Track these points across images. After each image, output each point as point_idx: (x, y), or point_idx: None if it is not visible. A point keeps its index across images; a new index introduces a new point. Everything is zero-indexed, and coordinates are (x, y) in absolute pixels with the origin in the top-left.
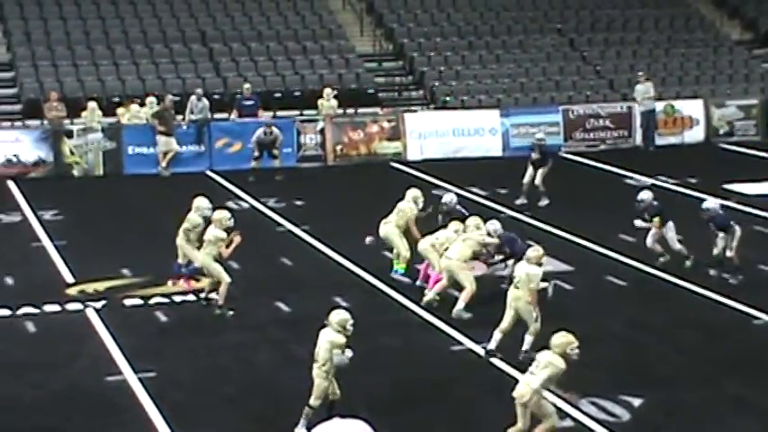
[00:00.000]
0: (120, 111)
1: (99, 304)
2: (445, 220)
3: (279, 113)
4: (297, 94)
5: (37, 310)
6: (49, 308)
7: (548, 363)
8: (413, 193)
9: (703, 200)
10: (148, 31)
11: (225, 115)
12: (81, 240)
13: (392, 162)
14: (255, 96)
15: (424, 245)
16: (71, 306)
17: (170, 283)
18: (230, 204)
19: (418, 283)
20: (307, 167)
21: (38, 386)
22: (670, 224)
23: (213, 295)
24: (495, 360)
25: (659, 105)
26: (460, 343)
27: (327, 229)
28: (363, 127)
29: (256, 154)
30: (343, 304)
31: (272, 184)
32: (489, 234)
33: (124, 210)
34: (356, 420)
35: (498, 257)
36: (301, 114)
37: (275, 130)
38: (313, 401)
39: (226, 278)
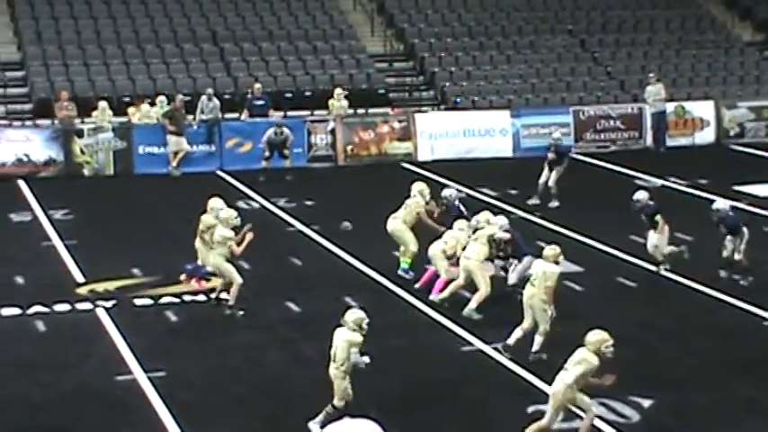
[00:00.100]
0: (130, 110)
1: (109, 304)
2: (450, 219)
3: (289, 113)
4: (307, 94)
5: (47, 310)
6: (59, 307)
7: (581, 359)
8: (418, 186)
9: (713, 201)
10: (159, 31)
11: (235, 115)
12: (91, 240)
13: (403, 162)
14: (266, 96)
15: (434, 250)
16: (81, 305)
17: (189, 281)
18: (241, 204)
19: (417, 286)
20: (317, 167)
21: (48, 385)
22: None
23: (224, 295)
24: (505, 360)
25: (670, 106)
26: (470, 343)
27: (337, 229)
28: (374, 127)
29: (267, 154)
30: (353, 304)
31: (282, 184)
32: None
33: (134, 209)
34: (366, 420)
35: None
36: (312, 114)
37: (286, 129)
38: (337, 402)
39: (238, 279)
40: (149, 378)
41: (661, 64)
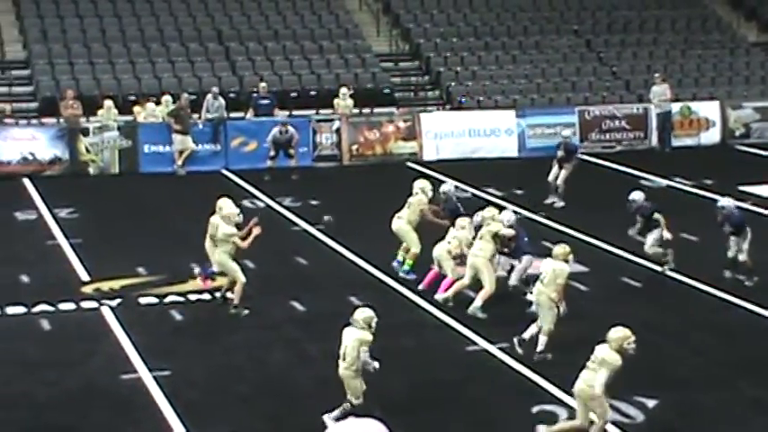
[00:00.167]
0: (136, 109)
1: (114, 302)
2: (448, 213)
3: (295, 113)
4: (313, 93)
5: (52, 308)
6: (64, 306)
7: (603, 360)
8: (420, 183)
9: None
10: (165, 30)
11: (241, 114)
12: (96, 238)
13: (408, 162)
14: (271, 95)
15: (439, 251)
16: (86, 304)
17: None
18: (246, 203)
19: (420, 287)
20: (322, 167)
21: (52, 384)
22: (656, 232)
23: (230, 294)
24: (510, 360)
25: (675, 107)
26: (475, 343)
27: (343, 228)
28: (379, 127)
29: (272, 153)
30: (358, 303)
31: (287, 184)
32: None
33: (140, 208)
34: (371, 420)
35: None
36: (317, 114)
37: (291, 128)
38: (355, 401)
39: (241, 278)
40: (154, 377)
41: (666, 64)
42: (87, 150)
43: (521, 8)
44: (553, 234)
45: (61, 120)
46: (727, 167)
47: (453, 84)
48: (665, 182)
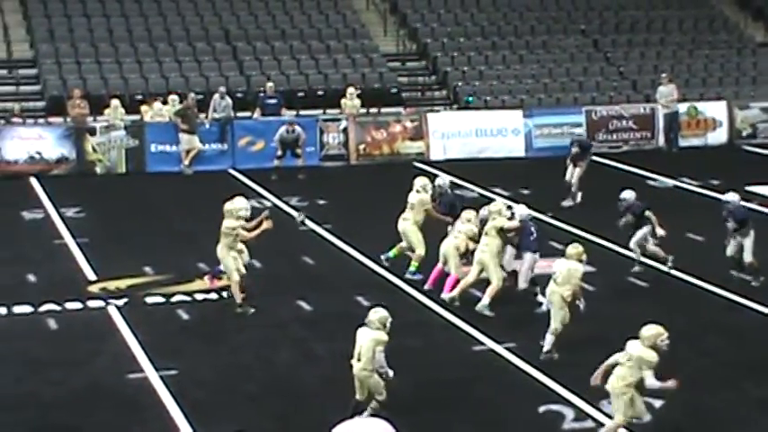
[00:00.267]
0: (143, 108)
1: (121, 302)
2: (444, 207)
3: (302, 112)
4: (320, 93)
5: (59, 308)
6: (70, 305)
7: (638, 359)
8: (420, 181)
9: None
10: (172, 30)
11: (248, 114)
12: (103, 238)
13: (415, 162)
14: (278, 95)
15: (447, 247)
16: (93, 303)
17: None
18: (253, 203)
19: (426, 287)
20: (329, 167)
21: (59, 383)
22: (646, 229)
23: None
24: (517, 360)
25: (682, 107)
26: (482, 343)
27: (349, 228)
28: (386, 126)
29: (279, 153)
30: (365, 303)
31: (294, 183)
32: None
33: (146, 207)
34: (378, 419)
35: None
36: (324, 113)
37: (297, 127)
38: (379, 398)
39: (234, 276)
40: (160, 376)
41: (674, 64)
42: (94, 150)
43: (528, 8)
44: (559, 233)
45: (68, 119)
46: (735, 168)
47: (460, 83)
48: (671, 182)
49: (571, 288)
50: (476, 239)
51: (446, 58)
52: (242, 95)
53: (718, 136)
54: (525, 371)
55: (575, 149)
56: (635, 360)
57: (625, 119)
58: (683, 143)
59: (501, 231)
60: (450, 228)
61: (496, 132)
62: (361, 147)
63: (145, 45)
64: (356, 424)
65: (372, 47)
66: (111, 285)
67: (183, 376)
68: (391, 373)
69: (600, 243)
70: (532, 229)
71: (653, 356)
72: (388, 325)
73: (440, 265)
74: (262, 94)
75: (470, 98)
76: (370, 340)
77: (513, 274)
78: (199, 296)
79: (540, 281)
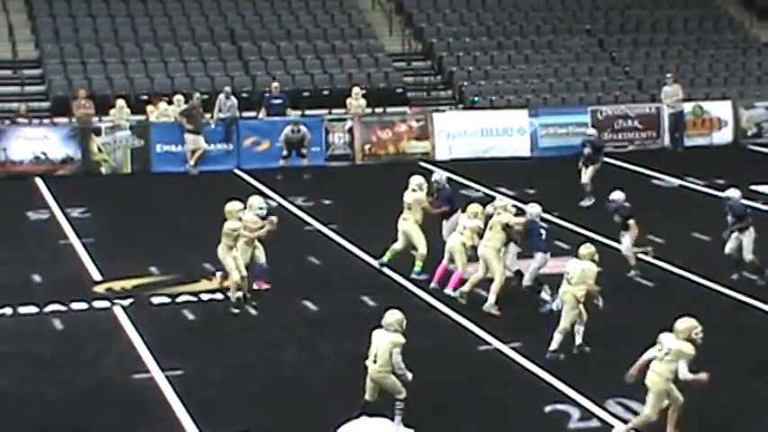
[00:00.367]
0: (148, 108)
1: (126, 302)
2: (443, 201)
3: (307, 112)
4: (325, 93)
5: (64, 308)
6: (76, 305)
7: (677, 351)
8: (416, 180)
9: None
10: (177, 30)
11: (253, 114)
12: (108, 238)
13: (420, 162)
14: (284, 95)
15: (453, 243)
16: (98, 304)
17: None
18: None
19: (432, 285)
20: (335, 166)
21: (65, 384)
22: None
23: (246, 293)
24: (523, 360)
25: (688, 106)
26: (488, 343)
27: (355, 228)
28: (392, 126)
29: (285, 153)
30: (371, 303)
31: (300, 183)
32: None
33: (152, 208)
34: (383, 419)
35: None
36: (330, 113)
37: (303, 127)
38: (401, 396)
39: (234, 275)
40: (166, 376)
41: (679, 64)
42: (99, 150)
43: (533, 7)
44: (564, 233)
45: (73, 119)
46: (740, 167)
47: (466, 83)
48: (677, 181)
49: (585, 288)
50: (482, 235)
51: (451, 57)
52: (247, 95)
53: (724, 135)
54: (531, 370)
55: (587, 150)
56: (673, 353)
57: (630, 118)
58: (688, 143)
59: (506, 227)
60: (444, 221)
61: (502, 132)
62: (367, 147)
63: (150, 45)
64: (362, 423)
65: (378, 47)
66: (117, 285)
67: (188, 376)
68: (410, 376)
69: (605, 242)
70: (542, 229)
71: (690, 349)
72: (404, 326)
73: (445, 261)
74: (267, 94)
75: (476, 98)
76: (387, 342)
77: (518, 274)
78: (204, 296)
79: (549, 281)
